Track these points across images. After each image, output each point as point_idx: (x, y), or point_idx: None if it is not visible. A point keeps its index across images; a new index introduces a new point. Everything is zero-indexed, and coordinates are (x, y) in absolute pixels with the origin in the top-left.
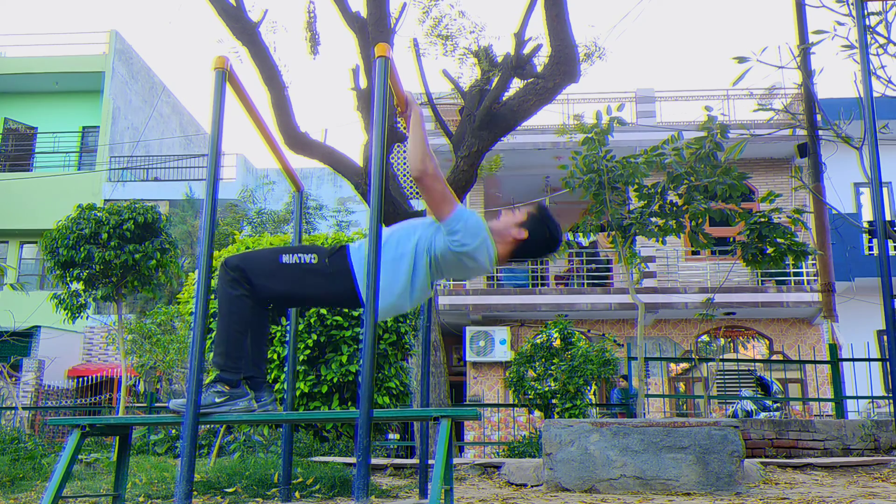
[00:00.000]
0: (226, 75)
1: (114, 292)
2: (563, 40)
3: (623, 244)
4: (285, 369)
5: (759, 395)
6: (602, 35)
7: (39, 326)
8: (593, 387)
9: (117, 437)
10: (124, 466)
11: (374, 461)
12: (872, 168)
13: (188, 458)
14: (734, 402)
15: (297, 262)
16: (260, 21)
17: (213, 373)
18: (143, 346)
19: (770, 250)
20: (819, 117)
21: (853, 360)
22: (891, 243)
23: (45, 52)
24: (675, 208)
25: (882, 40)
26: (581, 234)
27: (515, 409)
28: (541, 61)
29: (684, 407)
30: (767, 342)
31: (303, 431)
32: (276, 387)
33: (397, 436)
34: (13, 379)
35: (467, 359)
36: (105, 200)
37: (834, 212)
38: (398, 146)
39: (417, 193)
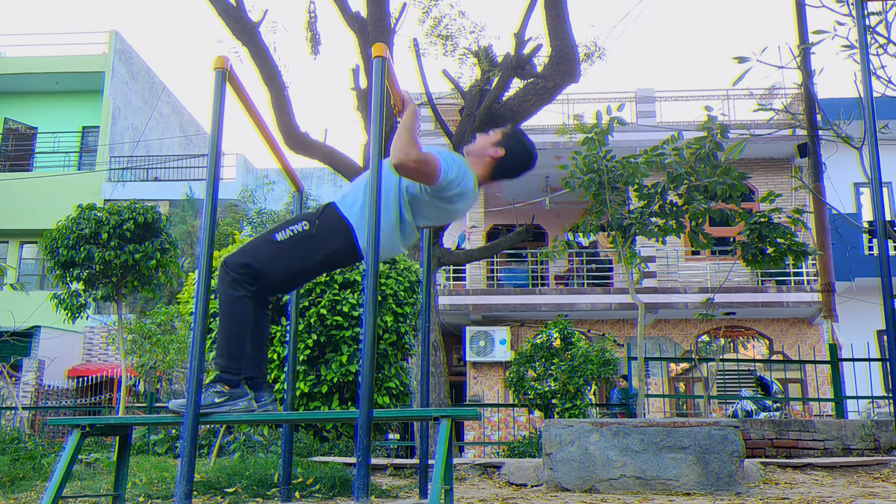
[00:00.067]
0: (226, 75)
1: (114, 292)
2: (563, 40)
3: (623, 244)
4: (285, 369)
5: (759, 395)
6: (602, 35)
7: (39, 326)
8: (593, 387)
9: (117, 437)
10: (124, 466)
11: (374, 461)
12: (872, 168)
13: (188, 458)
14: (734, 402)
15: (293, 234)
16: (260, 21)
17: (212, 373)
18: (143, 346)
19: (770, 250)
20: (819, 117)
21: (853, 360)
22: (891, 243)
23: (45, 52)
24: (675, 208)
25: (882, 40)
26: (581, 234)
27: (515, 409)
28: (541, 61)
29: (684, 407)
30: (767, 342)
31: (303, 431)
32: (276, 387)
33: (397, 436)
34: (13, 379)
35: (467, 359)
36: (105, 200)
37: (834, 212)
38: None
39: None
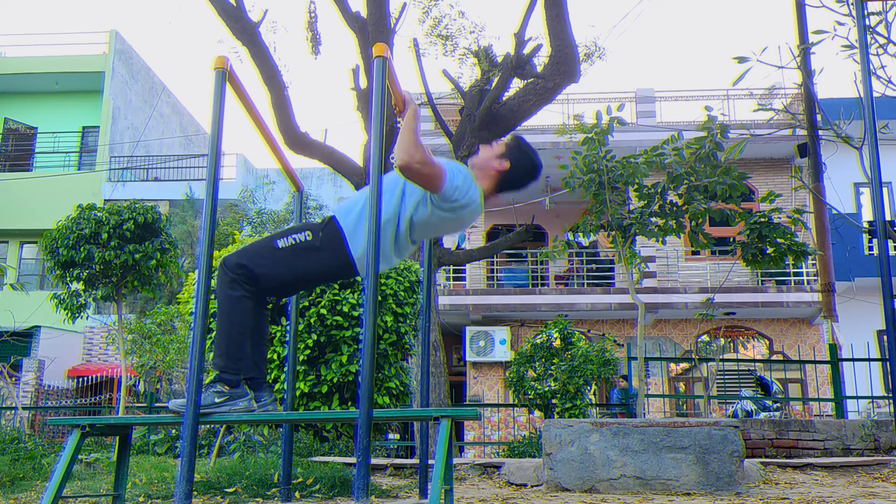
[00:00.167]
0: (226, 75)
1: (114, 292)
2: (563, 40)
3: (623, 244)
4: (285, 369)
5: (759, 395)
6: (602, 35)
7: (39, 326)
8: (593, 387)
9: (117, 437)
10: (124, 466)
11: (374, 461)
12: (872, 168)
13: (188, 458)
14: (734, 402)
15: (294, 242)
16: (260, 21)
17: (212, 373)
18: (143, 346)
19: (770, 250)
20: (819, 117)
21: (853, 360)
22: (891, 243)
23: (45, 52)
24: (675, 208)
25: (882, 40)
26: (581, 234)
27: (515, 409)
28: (541, 61)
29: (684, 407)
30: (767, 342)
31: (303, 431)
32: (276, 387)
33: (397, 436)
34: (13, 379)
35: (467, 359)
36: (105, 200)
37: (834, 212)
38: None
39: None
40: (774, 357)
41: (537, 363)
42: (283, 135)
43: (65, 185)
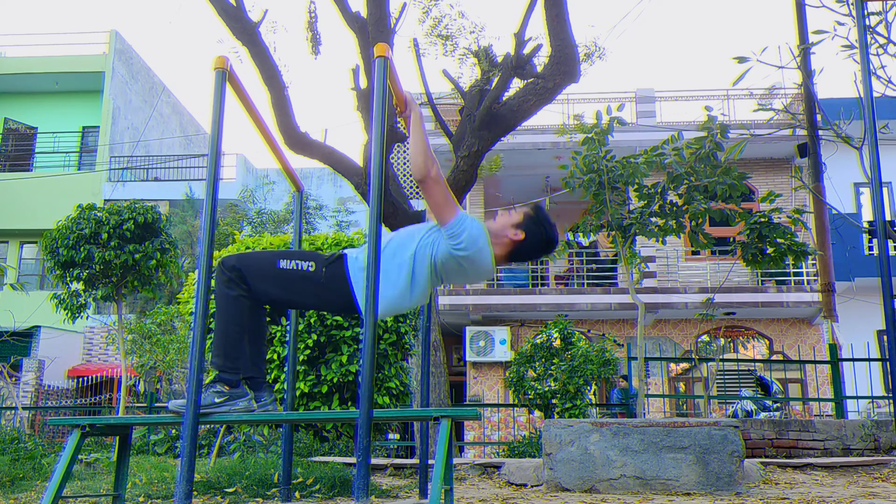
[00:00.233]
0: (226, 75)
1: (114, 292)
2: (563, 40)
3: (623, 244)
4: (285, 369)
5: (759, 395)
6: (602, 35)
7: (39, 326)
8: (593, 387)
9: (117, 437)
10: (124, 466)
11: (374, 461)
12: (872, 168)
13: (188, 458)
14: (734, 402)
15: (295, 268)
16: (260, 21)
17: (212, 373)
18: (143, 346)
19: (770, 250)
20: (819, 117)
21: (853, 360)
22: (891, 243)
23: (45, 52)
24: (675, 208)
25: (882, 40)
26: (581, 234)
27: (515, 409)
28: (541, 61)
29: (684, 407)
30: (767, 342)
31: (303, 431)
32: (276, 387)
33: (397, 436)
34: (13, 379)
35: (467, 359)
36: (105, 200)
37: (834, 212)
38: (398, 146)
39: (418, 193)
40: (774, 357)
41: (537, 363)
42: (283, 135)
43: (65, 185)
